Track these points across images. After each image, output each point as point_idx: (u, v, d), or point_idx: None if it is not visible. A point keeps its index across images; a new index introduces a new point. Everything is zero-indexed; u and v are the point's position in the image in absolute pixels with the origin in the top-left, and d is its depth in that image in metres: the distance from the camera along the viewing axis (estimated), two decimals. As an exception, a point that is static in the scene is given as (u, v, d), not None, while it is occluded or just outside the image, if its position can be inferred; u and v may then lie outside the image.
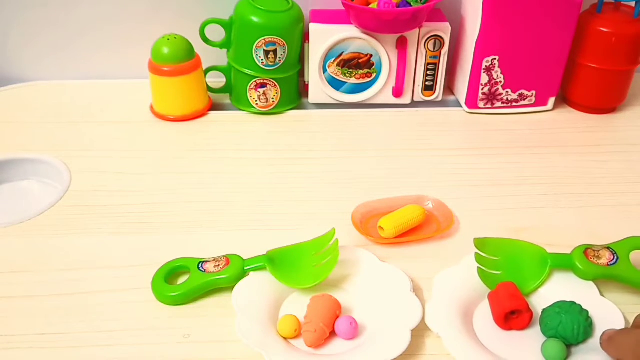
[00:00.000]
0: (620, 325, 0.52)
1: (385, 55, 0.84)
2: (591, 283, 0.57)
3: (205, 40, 0.85)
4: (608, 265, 0.56)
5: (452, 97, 0.92)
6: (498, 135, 0.83)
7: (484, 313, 0.56)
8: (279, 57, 0.82)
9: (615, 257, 0.57)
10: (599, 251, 0.57)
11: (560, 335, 0.51)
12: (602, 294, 0.56)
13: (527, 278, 0.57)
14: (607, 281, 0.57)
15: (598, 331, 0.52)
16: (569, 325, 0.51)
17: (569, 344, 0.52)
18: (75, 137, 0.81)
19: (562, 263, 0.57)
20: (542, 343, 0.52)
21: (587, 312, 0.52)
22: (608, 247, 0.58)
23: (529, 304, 0.54)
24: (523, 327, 0.54)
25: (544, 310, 0.54)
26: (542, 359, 0.51)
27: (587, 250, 0.57)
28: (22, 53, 0.93)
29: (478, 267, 0.57)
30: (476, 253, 0.57)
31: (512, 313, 0.53)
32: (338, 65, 0.85)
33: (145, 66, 0.83)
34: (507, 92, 0.86)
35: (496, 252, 0.58)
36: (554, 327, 0.52)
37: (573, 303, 0.53)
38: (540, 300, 0.57)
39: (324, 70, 0.86)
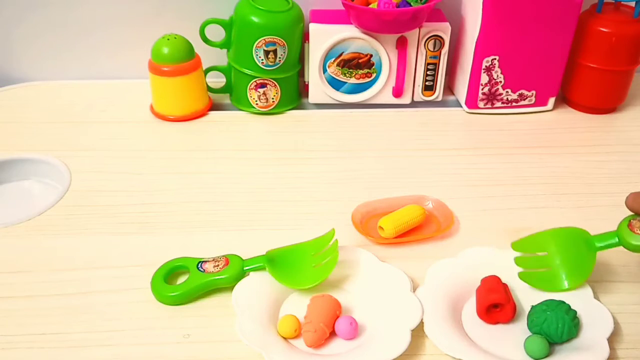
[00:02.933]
0: (609, 328, 0.52)
1: (385, 55, 0.84)
2: (586, 285, 0.56)
3: (205, 40, 0.85)
4: None
5: (452, 97, 0.92)
6: (498, 135, 0.83)
7: (474, 307, 0.56)
8: (279, 57, 0.82)
9: None
10: None
11: (544, 332, 0.52)
12: (596, 297, 0.56)
13: (577, 267, 0.56)
14: None
15: (584, 332, 0.53)
16: (554, 323, 0.51)
17: (553, 342, 0.52)
18: (75, 137, 0.81)
19: (609, 243, 0.56)
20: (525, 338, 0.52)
21: (574, 312, 0.52)
22: None
23: (510, 297, 0.54)
24: (508, 319, 0.54)
25: (532, 307, 0.54)
26: (525, 353, 0.52)
27: (631, 223, 0.55)
28: (23, 53, 0.93)
29: (519, 271, 0.57)
30: (516, 257, 0.57)
31: (494, 306, 0.54)
32: (338, 65, 0.85)
33: (145, 66, 0.83)
34: (507, 92, 0.86)
35: (540, 248, 0.58)
36: (539, 323, 0.52)
37: (562, 302, 0.53)
38: (533, 297, 0.56)
39: (324, 70, 0.86)
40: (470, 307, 0.56)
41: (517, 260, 0.57)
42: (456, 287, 0.57)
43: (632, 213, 0.56)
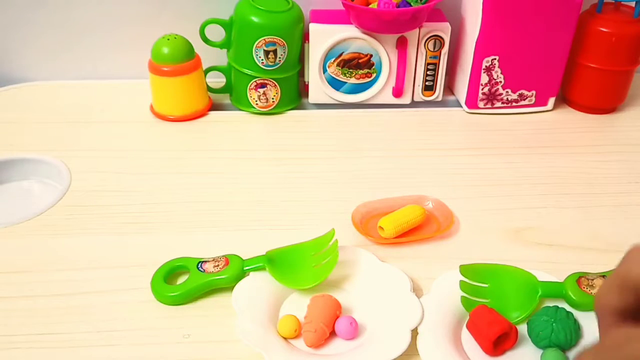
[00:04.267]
0: None
1: (385, 55, 0.84)
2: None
3: (205, 40, 0.85)
4: None
5: (452, 97, 0.92)
6: (498, 135, 0.83)
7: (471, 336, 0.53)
8: (279, 57, 0.82)
9: None
10: (593, 280, 0.54)
11: (554, 343, 0.50)
12: None
13: (514, 307, 0.55)
14: None
15: (584, 331, 0.52)
16: (562, 333, 0.50)
17: (564, 350, 0.51)
18: (75, 137, 0.81)
19: (553, 292, 0.54)
20: (540, 355, 0.51)
21: (572, 314, 0.52)
22: (603, 276, 0.55)
23: (508, 321, 0.52)
24: (513, 344, 0.52)
25: (531, 321, 0.52)
26: None
27: (580, 279, 0.54)
28: (23, 53, 0.93)
29: (462, 295, 0.54)
30: (461, 281, 0.55)
31: (498, 337, 0.51)
32: (338, 65, 0.85)
33: (145, 66, 0.83)
34: (507, 92, 0.86)
35: (484, 279, 0.56)
36: (547, 336, 0.51)
37: (557, 308, 0.52)
38: None
39: (324, 70, 0.86)
40: (467, 338, 0.53)
41: (462, 285, 0.55)
42: (450, 321, 0.53)
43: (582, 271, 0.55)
